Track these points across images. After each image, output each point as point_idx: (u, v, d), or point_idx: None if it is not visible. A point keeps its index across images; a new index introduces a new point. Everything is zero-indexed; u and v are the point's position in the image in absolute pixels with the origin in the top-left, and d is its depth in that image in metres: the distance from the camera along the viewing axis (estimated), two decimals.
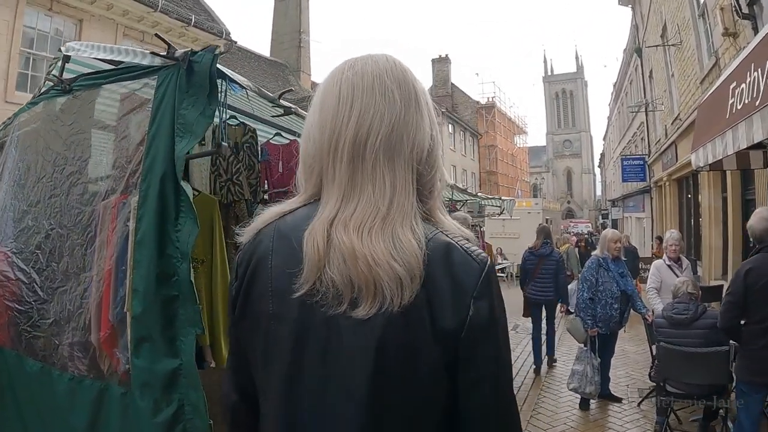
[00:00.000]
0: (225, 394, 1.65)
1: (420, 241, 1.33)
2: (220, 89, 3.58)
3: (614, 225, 39.61)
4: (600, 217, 74.10)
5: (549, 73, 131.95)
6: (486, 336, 1.35)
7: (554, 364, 11.08)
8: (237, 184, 6.11)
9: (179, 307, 3.23)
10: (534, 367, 10.70)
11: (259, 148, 7.20)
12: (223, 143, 3.71)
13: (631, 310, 8.47)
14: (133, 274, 3.34)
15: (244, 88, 3.82)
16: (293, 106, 4.61)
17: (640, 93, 28.83)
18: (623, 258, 8.65)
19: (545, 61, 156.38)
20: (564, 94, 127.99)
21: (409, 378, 1.31)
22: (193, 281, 3.21)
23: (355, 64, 1.48)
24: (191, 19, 18.47)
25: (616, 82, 45.18)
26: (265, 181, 7.30)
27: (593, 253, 8.95)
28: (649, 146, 27.55)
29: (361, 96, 1.41)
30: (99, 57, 4.08)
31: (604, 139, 69.92)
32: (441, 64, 62.06)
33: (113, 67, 4.00)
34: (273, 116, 4.87)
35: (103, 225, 3.82)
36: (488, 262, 1.39)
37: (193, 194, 4.40)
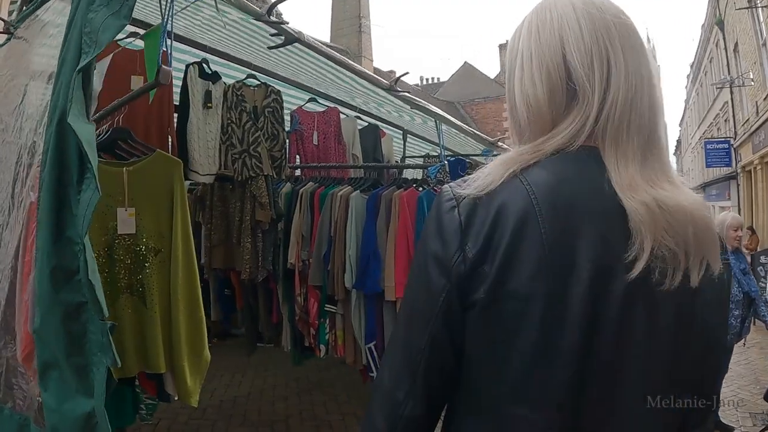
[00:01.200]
0: (399, 412, 1.27)
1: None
2: None
3: None
4: None
5: None
6: (726, 301, 1.51)
7: None
8: (254, 156, 5.06)
9: (88, 322, 2.05)
10: None
11: (289, 116, 6.19)
12: (165, 67, 2.51)
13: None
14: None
15: None
16: (294, 29, 3.34)
17: (723, 70, 27.01)
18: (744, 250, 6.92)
19: None
20: None
21: (700, 354, 1.25)
22: (94, 281, 1.98)
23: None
24: None
25: (693, 62, 43.08)
26: (297, 155, 6.20)
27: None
28: (735, 127, 25.75)
29: (638, 48, 1.26)
30: None
31: (680, 124, 67.51)
32: None
33: None
34: (270, 48, 3.62)
35: (23, 197, 2.69)
36: None
37: (145, 153, 3.27)
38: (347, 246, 4.74)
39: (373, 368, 4.69)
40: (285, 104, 5.99)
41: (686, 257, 1.14)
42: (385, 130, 7.42)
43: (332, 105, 6.41)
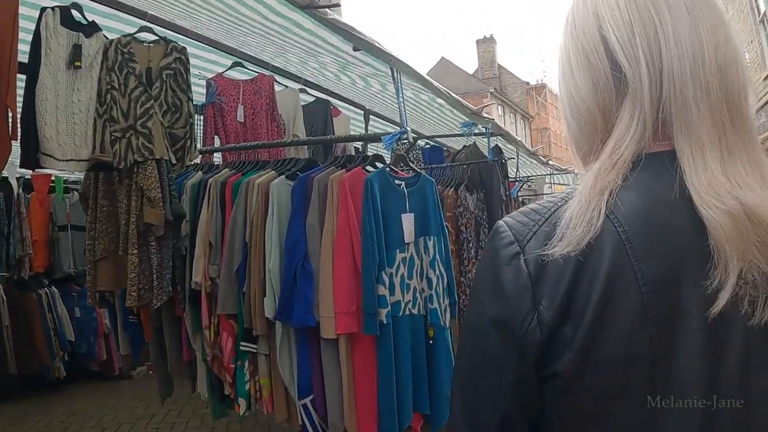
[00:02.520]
0: None
1: None
2: None
3: None
4: None
5: None
6: None
7: None
8: (143, 134, 3.67)
9: None
10: None
11: (205, 85, 4.79)
12: None
13: None
14: None
15: None
16: None
17: None
18: None
19: None
20: None
21: None
22: None
23: None
24: None
25: None
26: (215, 135, 4.72)
27: None
28: None
29: (691, 2, 1.01)
30: None
31: None
32: (486, 44, 61.26)
33: None
34: None
35: None
36: None
37: None
38: (267, 257, 3.24)
39: None
40: (203, 72, 4.67)
41: None
42: (340, 108, 5.93)
43: (264, 72, 4.95)
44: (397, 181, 3.23)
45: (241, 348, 3.51)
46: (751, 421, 0.90)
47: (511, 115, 55.51)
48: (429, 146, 7.19)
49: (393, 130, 7.01)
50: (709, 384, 0.89)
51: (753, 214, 0.88)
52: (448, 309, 3.40)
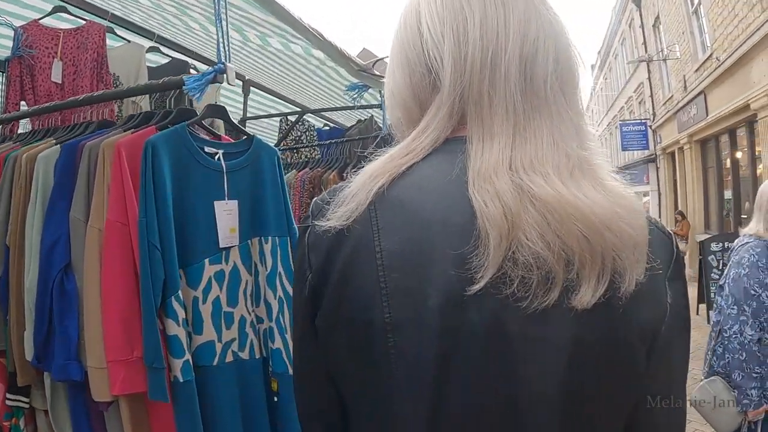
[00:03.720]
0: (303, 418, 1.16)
1: (635, 195, 0.96)
2: None
3: None
4: None
5: None
6: (682, 332, 0.99)
7: None
8: None
9: None
10: None
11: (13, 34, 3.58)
12: None
13: None
14: None
15: None
16: None
17: (637, 50, 25.83)
18: None
19: None
20: None
21: (610, 396, 0.93)
22: None
23: None
24: None
25: (600, 49, 42.52)
26: (21, 100, 3.61)
27: (743, 231, 3.74)
28: (653, 108, 24.33)
29: None
30: None
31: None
32: None
33: None
34: None
35: None
36: (673, 236, 1.03)
37: None
38: (26, 268, 2.14)
39: None
40: (13, 19, 3.68)
41: (567, 266, 0.86)
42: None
43: (94, 18, 3.81)
44: (208, 149, 2.11)
45: (8, 402, 2.41)
46: (484, 406, 0.89)
47: None
48: (329, 128, 6.14)
49: (286, 108, 5.95)
50: (441, 359, 0.89)
51: (532, 194, 0.87)
52: None
